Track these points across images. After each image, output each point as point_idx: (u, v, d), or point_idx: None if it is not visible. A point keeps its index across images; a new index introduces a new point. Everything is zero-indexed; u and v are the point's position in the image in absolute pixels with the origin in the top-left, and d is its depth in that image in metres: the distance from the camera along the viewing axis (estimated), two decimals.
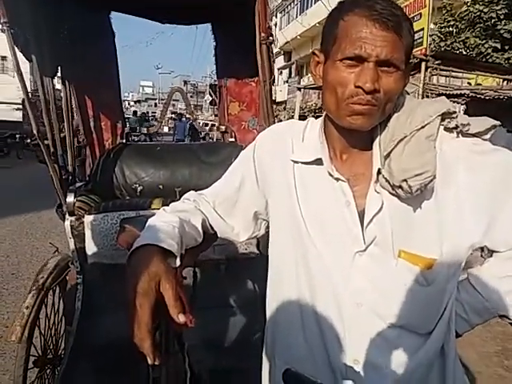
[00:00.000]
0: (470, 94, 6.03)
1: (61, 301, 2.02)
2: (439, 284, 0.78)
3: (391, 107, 0.77)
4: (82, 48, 2.19)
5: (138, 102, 62.45)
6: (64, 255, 2.06)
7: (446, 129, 0.78)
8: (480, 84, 7.83)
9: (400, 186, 0.74)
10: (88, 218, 1.86)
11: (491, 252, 0.85)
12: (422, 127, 0.76)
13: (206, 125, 20.22)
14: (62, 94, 2.21)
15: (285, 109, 18.21)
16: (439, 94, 7.25)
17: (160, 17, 2.45)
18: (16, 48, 1.69)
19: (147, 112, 36.36)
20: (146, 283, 0.71)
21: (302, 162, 0.87)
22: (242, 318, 1.94)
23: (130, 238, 1.13)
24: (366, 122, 0.75)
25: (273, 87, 1.98)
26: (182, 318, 0.70)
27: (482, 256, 0.87)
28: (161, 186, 2.19)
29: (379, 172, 0.78)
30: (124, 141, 2.48)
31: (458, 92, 6.63)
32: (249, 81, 2.55)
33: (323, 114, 0.90)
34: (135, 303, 0.70)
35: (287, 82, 23.66)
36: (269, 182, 0.92)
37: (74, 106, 2.34)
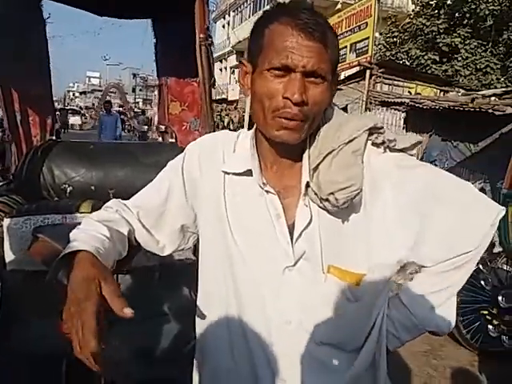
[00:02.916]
0: (410, 103, 6.34)
1: None
2: (367, 300, 0.79)
3: (319, 119, 0.77)
4: (7, 36, 2.02)
5: (84, 93, 59.67)
6: None
7: (374, 144, 0.79)
8: (419, 93, 8.26)
9: (327, 199, 0.74)
10: (8, 222, 1.71)
11: (419, 267, 0.85)
12: (350, 141, 0.75)
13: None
14: None
15: (236, 108, 18.19)
16: (382, 101, 7.56)
17: (97, 9, 2.33)
18: None
19: (93, 104, 34.75)
20: (85, 287, 0.66)
21: (233, 173, 0.84)
22: (176, 326, 1.88)
23: (44, 249, 1.05)
24: (293, 137, 0.74)
25: (218, 89, 1.95)
26: (127, 311, 0.65)
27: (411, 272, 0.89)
28: (93, 187, 2.07)
29: (308, 185, 0.78)
30: (54, 137, 2.33)
31: (399, 100, 6.94)
32: (191, 81, 2.48)
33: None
34: (75, 308, 0.64)
35: (239, 81, 23.67)
36: (198, 194, 0.89)
37: None
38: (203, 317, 0.91)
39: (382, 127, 0.79)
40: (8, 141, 2.26)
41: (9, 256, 1.72)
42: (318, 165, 0.76)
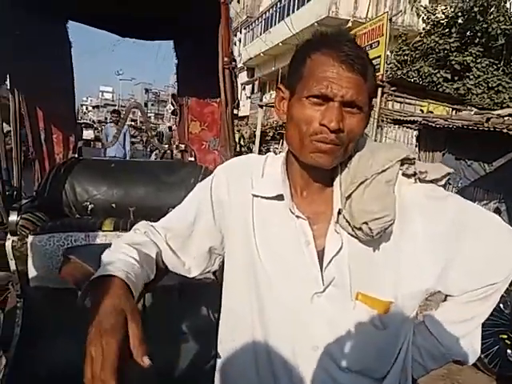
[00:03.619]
0: (422, 122, 6.34)
1: None
2: (394, 327, 0.79)
3: (353, 147, 0.78)
4: (35, 56, 2.08)
5: (97, 107, 60.65)
6: (4, 275, 1.91)
7: (404, 174, 0.80)
8: (432, 112, 8.27)
9: (360, 228, 0.75)
10: (32, 239, 1.74)
11: (446, 296, 0.86)
12: (383, 171, 0.77)
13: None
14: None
15: (247, 124, 18.34)
16: (394, 119, 7.57)
17: (120, 30, 2.39)
18: None
19: (105, 118, 35.23)
20: (113, 319, 0.66)
21: (262, 197, 0.85)
22: (195, 346, 1.87)
23: (75, 270, 1.06)
24: (328, 160, 0.76)
25: (235, 110, 1.98)
26: (146, 362, 0.64)
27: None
28: (114, 205, 2.09)
29: (339, 212, 0.78)
30: (76, 155, 2.37)
31: (412, 118, 6.94)
32: (211, 101, 2.52)
33: (285, 150, 0.89)
34: (99, 340, 0.63)
35: (250, 97, 23.93)
36: (226, 216, 0.90)
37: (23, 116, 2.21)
38: (226, 338, 0.92)
39: (414, 158, 0.81)
40: (31, 158, 2.31)
41: (32, 272, 1.75)
42: (351, 193, 0.77)
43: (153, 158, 11.47)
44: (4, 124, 1.77)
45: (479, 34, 11.08)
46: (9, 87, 2.08)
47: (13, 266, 1.75)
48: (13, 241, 1.73)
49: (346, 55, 0.72)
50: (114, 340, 0.64)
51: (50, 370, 1.62)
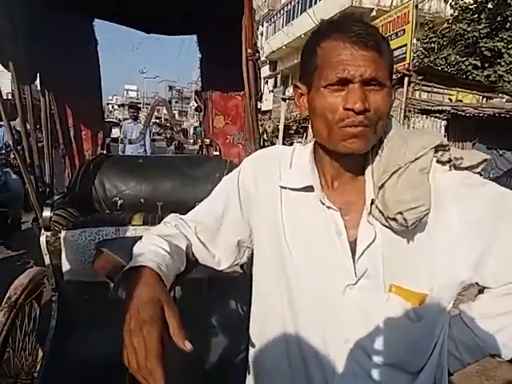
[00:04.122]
0: (451, 111, 6.16)
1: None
2: (429, 320, 0.77)
3: (382, 127, 0.76)
4: (63, 55, 2.12)
5: (122, 105, 61.79)
6: (39, 269, 1.98)
7: (439, 161, 0.77)
8: (461, 100, 8.02)
9: (394, 219, 0.73)
10: (65, 234, 1.79)
11: (483, 288, 0.83)
12: (417, 159, 0.74)
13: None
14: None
15: (270, 118, 18.29)
16: (421, 109, 7.39)
17: (145, 27, 2.41)
18: None
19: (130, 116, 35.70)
20: (150, 309, 0.67)
21: (291, 189, 0.84)
22: (225, 339, 1.88)
23: (107, 263, 1.08)
24: (361, 145, 0.74)
25: (259, 103, 1.96)
26: (188, 346, 0.64)
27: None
28: (142, 200, 2.13)
29: (372, 202, 0.76)
30: (105, 151, 2.42)
31: (440, 108, 6.76)
32: (234, 94, 2.52)
33: (312, 141, 0.87)
34: (138, 329, 0.64)
35: (272, 91, 23.81)
36: (254, 209, 0.89)
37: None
38: (258, 331, 0.92)
39: (448, 145, 0.77)
40: (62, 155, 2.37)
41: (65, 266, 1.80)
42: (384, 183, 0.75)
43: (172, 148, 11.45)
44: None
45: (510, 19, 10.64)
46: (39, 87, 2.14)
47: (47, 260, 1.80)
48: (47, 236, 1.78)
49: (355, 35, 0.70)
50: (155, 329, 0.64)
51: (84, 361, 1.66)
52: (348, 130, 0.72)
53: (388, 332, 0.76)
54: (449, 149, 0.77)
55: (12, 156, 4.20)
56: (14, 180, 4.33)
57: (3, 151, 4.46)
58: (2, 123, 3.80)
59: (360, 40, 0.70)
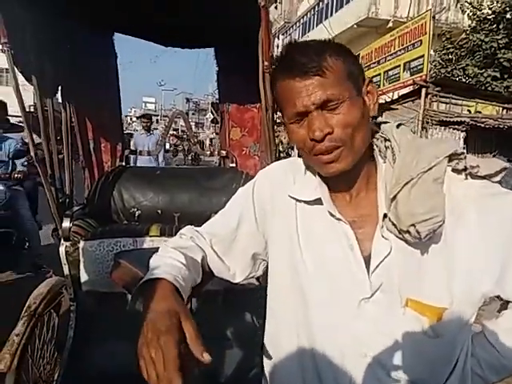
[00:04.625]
0: (471, 122, 6.07)
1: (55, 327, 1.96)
2: (449, 336, 0.74)
3: (362, 136, 0.76)
4: (84, 68, 2.18)
5: (141, 117, 62.62)
6: (58, 279, 2.00)
7: (454, 170, 0.76)
8: (480, 112, 7.89)
9: (408, 231, 0.71)
10: (83, 244, 1.81)
11: (506, 303, 0.81)
12: (429, 169, 0.73)
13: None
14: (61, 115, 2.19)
15: (285, 130, 18.32)
16: (439, 121, 7.30)
17: (163, 40, 2.45)
18: (16, 69, 1.67)
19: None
20: (167, 320, 0.66)
21: (304, 201, 0.84)
22: (240, 352, 1.87)
23: (125, 275, 1.09)
24: (339, 166, 0.75)
25: (275, 115, 1.97)
26: (206, 357, 0.64)
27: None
28: (159, 211, 2.15)
29: (385, 215, 0.75)
30: (123, 163, 2.46)
31: (459, 119, 6.67)
32: (250, 106, 2.54)
33: None
34: (156, 341, 0.64)
35: None
36: (268, 222, 0.89)
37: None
38: (272, 344, 0.91)
39: (463, 153, 0.76)
40: (81, 166, 2.41)
41: (84, 277, 1.82)
42: (396, 194, 0.74)
43: (189, 158, 11.53)
44: (34, 136, 1.84)
45: None
46: (61, 100, 2.19)
47: (66, 270, 1.83)
48: (66, 246, 1.81)
49: (296, 67, 0.73)
50: (172, 339, 0.64)
51: (102, 371, 1.67)
52: (321, 157, 0.75)
53: (405, 348, 0.75)
54: (465, 157, 0.75)
55: (19, 169, 3.73)
56: (22, 197, 3.83)
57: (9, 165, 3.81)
58: (11, 135, 3.85)
59: (301, 71, 0.73)
